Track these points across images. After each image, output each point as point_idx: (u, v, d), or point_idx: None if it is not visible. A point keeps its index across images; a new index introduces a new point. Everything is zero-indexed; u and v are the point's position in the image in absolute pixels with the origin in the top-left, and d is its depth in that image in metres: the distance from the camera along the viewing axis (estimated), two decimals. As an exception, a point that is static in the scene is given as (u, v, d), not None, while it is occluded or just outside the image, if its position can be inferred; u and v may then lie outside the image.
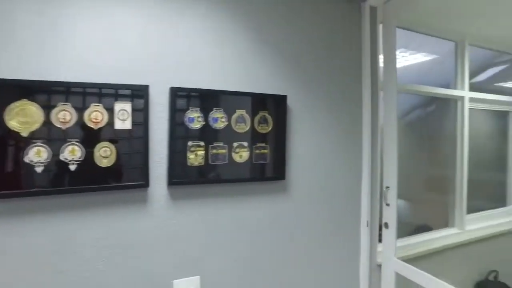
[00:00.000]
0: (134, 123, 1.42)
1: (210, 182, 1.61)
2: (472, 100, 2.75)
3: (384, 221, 2.05)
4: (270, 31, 1.76)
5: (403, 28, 2.45)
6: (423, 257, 2.32)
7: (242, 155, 1.66)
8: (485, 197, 3.32)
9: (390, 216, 2.00)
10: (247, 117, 1.66)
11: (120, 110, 1.39)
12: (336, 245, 2.00)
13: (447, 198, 2.88)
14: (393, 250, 1.99)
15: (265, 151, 1.71)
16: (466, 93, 2.69)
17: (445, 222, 2.84)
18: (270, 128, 1.73)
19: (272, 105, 1.74)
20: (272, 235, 1.80)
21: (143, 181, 1.45)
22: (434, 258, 2.40)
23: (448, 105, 2.92)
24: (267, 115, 1.72)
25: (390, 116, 2.01)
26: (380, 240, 2.11)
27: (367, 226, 2.06)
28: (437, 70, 2.93)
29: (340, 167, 2.00)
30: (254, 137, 1.68)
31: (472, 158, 2.82)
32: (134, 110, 1.42)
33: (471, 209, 2.86)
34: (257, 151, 1.69)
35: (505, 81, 3.46)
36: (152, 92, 1.48)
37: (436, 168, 3.17)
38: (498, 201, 3.41)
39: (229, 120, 1.62)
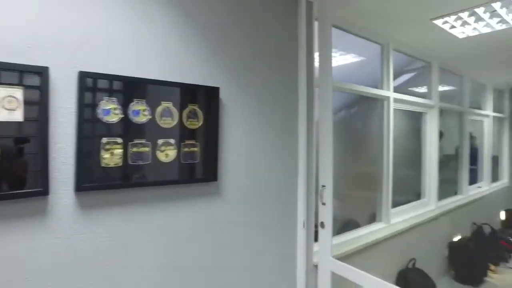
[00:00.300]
0: (28, 116, 1.12)
1: (130, 186, 1.37)
2: (395, 100, 2.90)
3: (320, 220, 2.00)
4: (203, 18, 1.58)
5: (337, 27, 2.46)
6: (355, 254, 2.36)
7: (168, 153, 1.45)
8: (405, 191, 3.57)
9: (326, 215, 1.96)
10: (175, 111, 1.46)
11: (5, 97, 1.08)
12: (272, 247, 1.89)
13: (375, 194, 3.00)
14: (329, 249, 1.96)
15: (195, 149, 1.53)
16: (391, 94, 2.82)
17: (372, 217, 2.96)
18: (200, 124, 1.54)
19: (203, 98, 1.55)
20: (204, 242, 1.62)
21: (40, 188, 1.16)
22: (365, 253, 2.46)
23: (374, 105, 3.04)
24: (197, 109, 1.53)
25: (326, 114, 1.98)
26: (316, 240, 2.06)
27: (304, 227, 2.00)
28: (364, 71, 3.04)
29: (276, 166, 1.90)
30: (183, 133, 1.49)
31: (394, 155, 2.98)
32: (28, 99, 1.12)
33: (394, 204, 3.03)
34: (186, 149, 1.50)
35: (416, 86, 3.77)
36: (54, 76, 1.19)
37: (364, 166, 3.29)
38: (416, 195, 3.69)
39: (153, 113, 1.40)
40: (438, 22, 2.52)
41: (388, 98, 2.81)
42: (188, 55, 1.54)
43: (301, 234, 1.99)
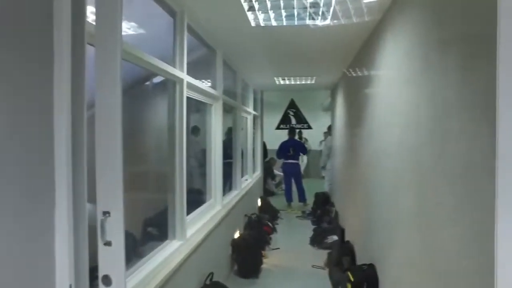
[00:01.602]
0: None
1: None
2: (188, 86, 2.37)
3: (102, 273, 1.16)
4: None
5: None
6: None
7: None
8: (192, 193, 3.15)
9: (114, 263, 1.15)
10: None
11: None
12: None
13: (162, 203, 2.37)
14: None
15: None
16: (185, 76, 2.26)
17: (163, 233, 2.31)
18: None
19: None
20: None
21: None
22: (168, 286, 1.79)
23: (161, 89, 2.39)
24: None
25: (109, 93, 1.15)
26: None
27: (71, 294, 1.09)
28: (153, 45, 2.32)
29: (8, 193, 0.90)
30: None
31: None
32: None
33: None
34: None
35: (198, 77, 3.44)
36: None
37: (149, 164, 2.58)
38: (202, 196, 3.35)
39: None
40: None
41: (181, 81, 2.23)
42: None
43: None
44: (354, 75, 3.70)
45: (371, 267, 2.63)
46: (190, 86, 2.43)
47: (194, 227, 2.50)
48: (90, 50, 1.23)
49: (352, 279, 2.63)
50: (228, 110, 4.16)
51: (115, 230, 1.13)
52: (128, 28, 2.26)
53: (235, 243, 3.64)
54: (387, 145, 2.31)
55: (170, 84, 2.24)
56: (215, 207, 3.17)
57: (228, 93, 3.76)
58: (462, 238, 1.26)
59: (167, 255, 1.96)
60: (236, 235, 3.87)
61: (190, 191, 2.55)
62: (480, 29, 1.11)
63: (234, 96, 4.25)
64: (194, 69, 2.61)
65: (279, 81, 5.53)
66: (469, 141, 1.20)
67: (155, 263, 1.84)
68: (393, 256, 2.17)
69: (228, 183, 4.26)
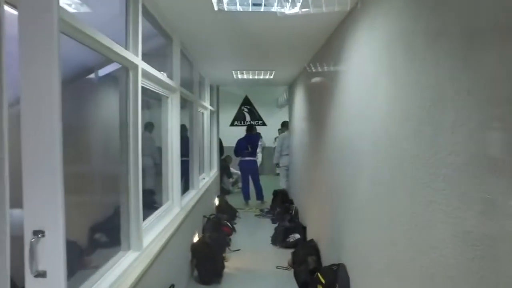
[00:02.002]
0: None
1: None
2: (144, 74, 2.06)
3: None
4: None
5: None
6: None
7: None
8: (148, 195, 2.82)
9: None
10: None
11: None
12: None
13: (117, 204, 2.05)
14: None
15: None
16: (140, 62, 1.95)
17: (115, 242, 1.99)
18: None
19: None
20: None
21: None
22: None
23: (114, 80, 2.06)
24: None
25: (43, 74, 0.86)
26: None
27: None
28: (100, 27, 1.97)
29: None
30: None
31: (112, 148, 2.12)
32: None
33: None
34: None
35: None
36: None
37: (96, 163, 2.24)
38: (157, 198, 3.03)
39: None
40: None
41: (136, 68, 1.92)
42: None
43: None
44: (318, 69, 3.60)
45: (341, 268, 2.53)
46: (146, 75, 2.12)
47: (151, 234, 2.20)
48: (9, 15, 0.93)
49: (323, 281, 2.51)
50: (183, 105, 3.86)
51: (52, 256, 0.85)
52: (68, 4, 1.90)
53: (194, 248, 3.37)
54: (360, 140, 2.21)
55: (122, 72, 1.91)
56: (173, 209, 2.88)
57: (185, 86, 3.46)
58: (453, 239, 1.15)
59: (120, 272, 1.65)
60: (195, 238, 3.60)
61: (145, 193, 2.25)
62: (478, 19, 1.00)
63: (191, 89, 3.94)
64: (149, 57, 2.29)
65: (237, 75, 5.31)
66: (467, 133, 1.10)
67: (107, 282, 1.53)
68: (368, 257, 2.08)
69: (185, 182, 3.96)
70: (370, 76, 1.98)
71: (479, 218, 1.05)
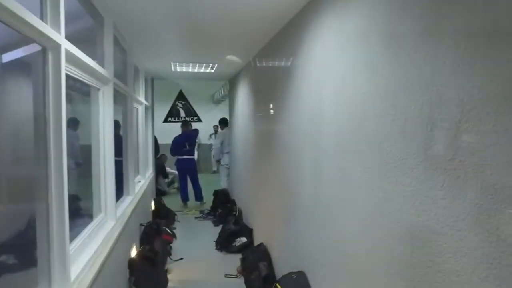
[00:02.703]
0: None
1: None
2: (68, 58, 1.61)
3: None
4: None
5: None
6: None
7: None
8: (73, 207, 2.32)
9: None
10: None
11: None
12: None
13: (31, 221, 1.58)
14: None
15: None
16: (63, 40, 1.50)
17: (27, 274, 1.53)
18: None
19: None
20: None
21: None
22: None
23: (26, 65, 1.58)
24: None
25: None
26: None
27: None
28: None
29: None
30: None
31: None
32: None
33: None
34: None
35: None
36: None
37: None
38: (84, 211, 2.54)
39: None
40: None
41: (57, 48, 1.47)
42: None
43: None
44: (270, 61, 3.38)
45: (301, 276, 2.36)
46: (71, 59, 1.67)
47: (81, 260, 1.76)
48: None
49: (283, 292, 2.31)
50: (116, 100, 3.34)
51: None
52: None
53: (133, 263, 2.93)
54: (322, 138, 2.04)
55: (38, 55, 1.45)
56: (107, 223, 2.43)
57: (118, 77, 2.97)
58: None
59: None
60: (133, 252, 3.15)
61: (72, 205, 1.80)
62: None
63: (125, 81, 3.44)
64: (73, 42, 1.82)
65: (176, 67, 4.87)
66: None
67: None
68: (331, 263, 1.93)
69: (119, 187, 3.45)
70: (340, 69, 1.82)
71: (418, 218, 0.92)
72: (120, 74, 3.27)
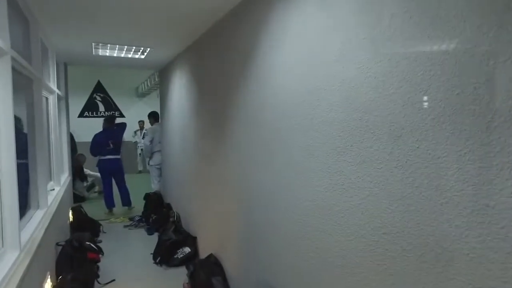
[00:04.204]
0: None
1: None
2: None
3: None
4: None
5: None
6: None
7: None
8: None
9: None
10: None
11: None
12: None
13: None
14: None
15: None
16: None
17: None
18: None
19: None
20: None
21: None
22: None
23: None
24: None
25: None
26: None
27: None
28: None
29: None
30: None
31: None
32: None
33: None
34: None
35: None
36: None
37: None
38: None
39: None
40: None
41: None
42: None
43: None
44: (220, 46, 2.90)
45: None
46: None
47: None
48: None
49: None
50: (16, 85, 2.52)
51: None
52: None
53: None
54: (293, 132, 1.67)
55: None
56: (6, 256, 1.71)
57: (19, 54, 2.20)
58: None
59: None
60: (48, 285, 2.40)
61: None
62: None
63: (29, 60, 2.63)
64: None
65: (97, 50, 4.06)
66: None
67: None
68: (312, 277, 1.58)
69: (24, 200, 2.64)
70: (330, 52, 1.46)
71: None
72: (22, 50, 2.47)
